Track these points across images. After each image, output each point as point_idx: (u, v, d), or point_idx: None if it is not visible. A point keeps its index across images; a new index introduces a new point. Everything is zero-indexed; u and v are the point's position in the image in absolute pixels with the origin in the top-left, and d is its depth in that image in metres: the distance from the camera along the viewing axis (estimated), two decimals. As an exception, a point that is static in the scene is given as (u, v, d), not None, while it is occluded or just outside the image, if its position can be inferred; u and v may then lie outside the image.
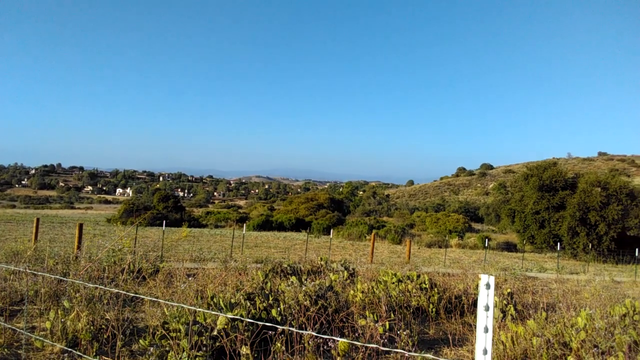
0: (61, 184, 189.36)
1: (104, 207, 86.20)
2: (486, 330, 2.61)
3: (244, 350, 4.64)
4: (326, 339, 4.85)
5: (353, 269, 10.82)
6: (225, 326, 4.77)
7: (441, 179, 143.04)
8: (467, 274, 10.35)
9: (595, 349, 5.19)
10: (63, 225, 26.77)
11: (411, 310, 7.44)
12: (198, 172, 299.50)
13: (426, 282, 8.45)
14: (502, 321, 6.75)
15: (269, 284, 6.75)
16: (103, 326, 5.62)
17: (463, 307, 7.84)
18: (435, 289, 8.29)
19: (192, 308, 3.84)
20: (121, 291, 4.96)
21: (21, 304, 6.90)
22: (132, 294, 5.61)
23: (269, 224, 40.40)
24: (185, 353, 4.47)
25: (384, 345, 4.96)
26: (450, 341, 5.91)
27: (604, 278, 15.04)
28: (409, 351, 4.87)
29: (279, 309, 5.80)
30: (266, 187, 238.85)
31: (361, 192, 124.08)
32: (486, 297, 2.66)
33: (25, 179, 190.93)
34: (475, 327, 2.87)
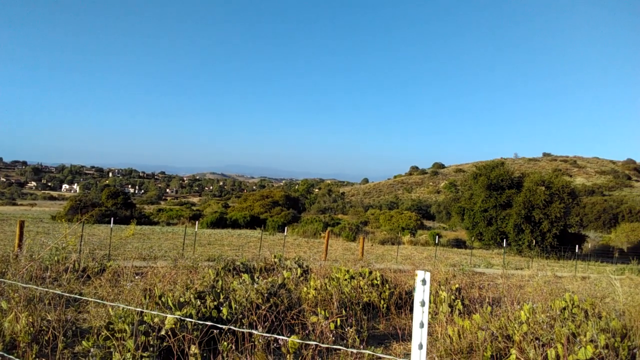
0: (2, 179, 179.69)
1: (48, 203, 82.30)
2: (422, 325, 2.66)
3: (193, 349, 4.56)
4: (277, 336, 4.84)
5: (307, 266, 10.84)
6: (174, 326, 4.67)
7: (395, 177, 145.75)
8: (417, 271, 10.58)
9: (536, 341, 5.43)
10: (4, 223, 25.41)
11: (362, 306, 7.53)
12: (150, 168, 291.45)
13: (378, 279, 8.58)
14: (450, 316, 6.94)
15: (220, 282, 6.65)
16: (44, 328, 5.37)
17: (413, 302, 8.01)
18: (387, 285, 8.43)
19: (134, 309, 3.73)
20: (59, 292, 4.75)
21: (-47, 306, 6.49)
22: (74, 296, 5.40)
23: (223, 222, 39.89)
24: (129, 354, 4.34)
25: (334, 342, 4.99)
26: (400, 336, 6.03)
27: (546, 273, 15.76)
28: (358, 347, 4.93)
29: (230, 307, 5.73)
30: (221, 184, 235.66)
31: (317, 190, 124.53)
32: (422, 293, 2.71)
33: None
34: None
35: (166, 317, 4.73)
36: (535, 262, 24.02)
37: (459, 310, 7.27)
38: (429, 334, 6.26)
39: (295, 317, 5.73)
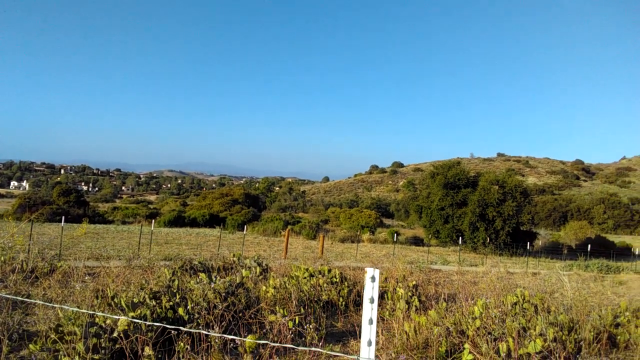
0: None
1: (-5, 201, 78.43)
2: (371, 322, 2.68)
3: (147, 351, 4.43)
4: (234, 335, 4.77)
5: (266, 265, 10.78)
6: (127, 327, 4.53)
7: (355, 176, 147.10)
8: (376, 268, 10.70)
9: (489, 335, 5.59)
10: (-56, 222, 24.02)
11: (322, 304, 7.55)
12: (104, 165, 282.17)
13: (337, 276, 8.63)
14: (407, 312, 7.05)
15: (176, 282, 6.52)
16: (-13, 331, 5.10)
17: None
18: (346, 283, 8.49)
19: (85, 311, 3.60)
20: (4, 294, 4.53)
21: None
22: (21, 298, 5.15)
23: (181, 220, 39.16)
24: (79, 357, 4.19)
25: (292, 340, 4.98)
26: (358, 333, 6.08)
27: (499, 270, 16.25)
28: (316, 345, 4.93)
29: (186, 307, 5.62)
30: (179, 181, 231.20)
31: (277, 188, 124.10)
32: (371, 290, 2.73)
33: None
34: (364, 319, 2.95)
35: (119, 318, 4.59)
36: (489, 259, 24.77)
37: (415, 306, 7.40)
38: (387, 330, 6.34)
39: (253, 316, 5.68)
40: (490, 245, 29.33)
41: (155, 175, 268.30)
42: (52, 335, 4.58)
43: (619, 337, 6.41)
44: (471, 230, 29.97)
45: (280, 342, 4.82)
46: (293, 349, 4.82)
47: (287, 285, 7.93)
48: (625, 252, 35.42)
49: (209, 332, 4.49)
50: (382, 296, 8.47)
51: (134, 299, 5.44)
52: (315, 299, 7.60)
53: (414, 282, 8.79)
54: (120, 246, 17.98)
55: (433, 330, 5.60)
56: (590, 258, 27.71)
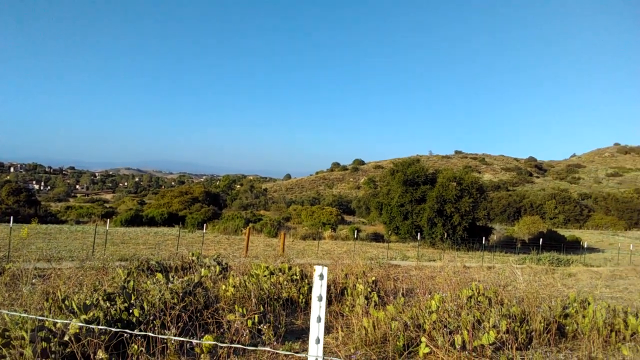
0: None
1: (-63, 201, 74.08)
2: (319, 319, 2.69)
3: (100, 354, 4.30)
4: (191, 336, 4.69)
5: (226, 264, 10.66)
6: (78, 330, 4.38)
7: (317, 173, 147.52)
8: (336, 265, 10.77)
9: (445, 328, 5.73)
10: None
11: (282, 302, 7.53)
12: (57, 163, 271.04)
13: (297, 274, 8.63)
14: (366, 308, 7.13)
15: (131, 283, 6.35)
16: None
17: (331, 296, 8.15)
18: (306, 280, 8.50)
19: (31, 316, 3.45)
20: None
21: None
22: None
23: (139, 219, 38.20)
24: (26, 363, 4.02)
25: (251, 339, 4.95)
26: (317, 330, 6.10)
27: (456, 264, 16.68)
28: (275, 343, 4.92)
29: (142, 308, 5.49)
30: (137, 179, 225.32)
31: (238, 186, 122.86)
32: (319, 288, 2.74)
33: None
34: (311, 317, 2.96)
35: (69, 322, 4.43)
36: (447, 254, 25.36)
37: (375, 302, 7.49)
38: (347, 326, 6.39)
39: (212, 315, 5.60)
40: (447, 241, 30.02)
41: (111, 173, 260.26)
42: (-2, 341, 4.38)
43: (567, 327, 6.68)
44: (430, 226, 30.57)
45: (238, 341, 4.77)
46: (252, 346, 4.78)
47: (247, 283, 7.87)
48: (574, 246, 37.00)
49: (164, 333, 4.39)
50: (342, 292, 8.53)
51: (87, 301, 5.26)
52: (276, 297, 7.58)
53: (373, 278, 8.90)
54: (74, 247, 17.37)
55: (391, 324, 5.69)
56: (542, 251, 28.83)
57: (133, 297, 5.73)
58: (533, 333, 6.15)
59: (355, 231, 31.45)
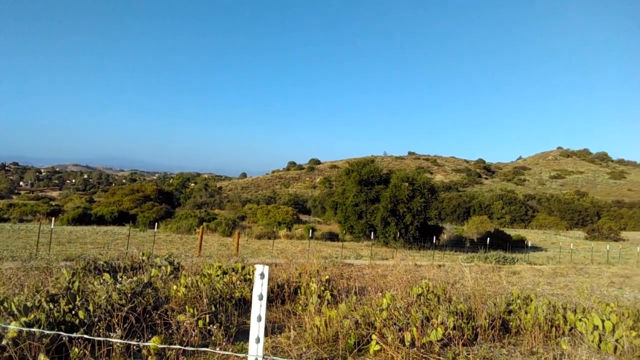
0: None
1: None
2: (259, 319, 2.70)
3: (41, 358, 4.13)
4: (138, 338, 4.58)
5: (178, 263, 10.45)
6: (16, 334, 4.19)
7: (273, 172, 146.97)
8: (290, 264, 10.78)
9: (395, 325, 5.85)
10: None
11: (234, 302, 7.47)
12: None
13: (250, 273, 8.57)
14: (319, 306, 7.18)
15: (76, 283, 6.12)
16: None
17: (284, 295, 8.15)
18: (259, 280, 8.46)
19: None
20: None
21: None
22: None
23: (87, 218, 36.83)
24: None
25: (201, 339, 4.88)
26: (269, 329, 6.09)
27: (407, 263, 17.06)
28: (225, 343, 4.88)
29: (87, 310, 5.31)
30: (85, 176, 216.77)
31: (193, 184, 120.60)
32: (260, 287, 2.75)
33: None
34: (252, 316, 2.96)
35: (8, 325, 4.23)
36: (399, 253, 25.87)
37: (327, 300, 7.55)
38: (299, 325, 6.41)
39: (161, 316, 5.49)
40: (400, 240, 30.62)
41: (58, 169, 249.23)
42: None
43: (511, 323, 6.96)
44: (383, 225, 31.07)
45: (187, 342, 4.70)
46: (202, 347, 4.73)
47: (199, 283, 7.74)
48: (520, 244, 38.62)
49: (109, 335, 4.27)
50: (295, 291, 8.55)
51: (27, 303, 5.04)
52: (228, 297, 7.50)
53: (327, 277, 8.97)
54: (16, 246, 16.56)
55: (343, 323, 5.76)
56: (490, 250, 29.92)
57: (78, 299, 5.54)
58: (479, 329, 6.38)
59: (311, 230, 31.55)
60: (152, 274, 7.47)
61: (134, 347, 4.35)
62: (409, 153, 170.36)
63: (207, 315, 5.41)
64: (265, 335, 5.85)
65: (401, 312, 6.29)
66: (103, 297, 5.65)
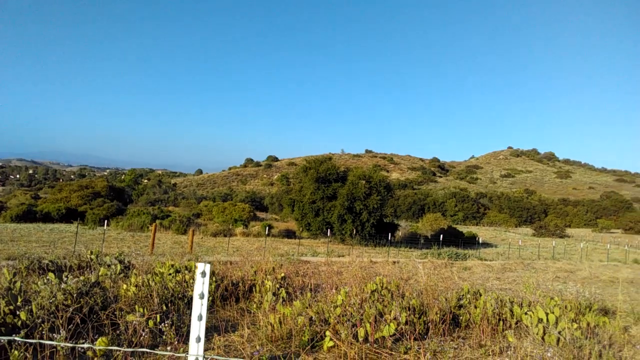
0: None
1: None
2: (200, 318, 2.66)
3: (-23, 363, 3.92)
4: (84, 339, 4.41)
5: (129, 262, 10.15)
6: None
7: (230, 169, 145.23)
8: (246, 262, 10.68)
9: (349, 322, 5.90)
10: None
11: (187, 301, 7.32)
12: None
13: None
14: (274, 304, 7.15)
15: (18, 284, 5.84)
16: None
17: (239, 293, 8.06)
18: (214, 278, 8.33)
19: None
20: None
21: None
22: None
23: (33, 215, 35.24)
24: None
25: (152, 339, 4.76)
26: (222, 328, 6.01)
27: (363, 259, 17.25)
28: (177, 343, 4.77)
29: (30, 311, 5.06)
30: (31, 172, 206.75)
31: (146, 181, 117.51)
32: (201, 285, 2.71)
33: None
34: (192, 315, 2.92)
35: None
36: (356, 249, 26.14)
37: (282, 298, 7.53)
38: (253, 323, 6.36)
39: (109, 316, 5.31)
40: (357, 237, 30.94)
41: (0, 164, 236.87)
42: None
43: (461, 317, 7.17)
44: (340, 223, 31.29)
45: (137, 343, 4.57)
46: (151, 348, 4.61)
47: (150, 282, 7.54)
48: (471, 241, 39.80)
49: (53, 337, 4.09)
50: (250, 289, 8.47)
51: (-37, 306, 4.76)
52: (181, 296, 7.35)
53: (282, 275, 8.94)
54: (-48, 245, 15.62)
55: (297, 320, 5.75)
56: (443, 247, 30.72)
57: (20, 299, 5.28)
58: (430, 324, 6.53)
59: (268, 228, 31.40)
60: (100, 273, 7.22)
61: (79, 349, 4.18)
62: (366, 151, 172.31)
63: (158, 315, 5.28)
64: (219, 333, 5.78)
65: (355, 308, 6.34)
66: (47, 298, 5.41)
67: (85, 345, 2.93)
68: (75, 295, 5.69)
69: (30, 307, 5.17)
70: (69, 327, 4.55)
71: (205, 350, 4.91)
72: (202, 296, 2.62)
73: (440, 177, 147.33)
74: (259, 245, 24.31)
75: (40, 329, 4.65)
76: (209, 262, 11.31)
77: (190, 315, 6.58)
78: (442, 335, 6.44)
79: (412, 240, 38.69)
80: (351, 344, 5.30)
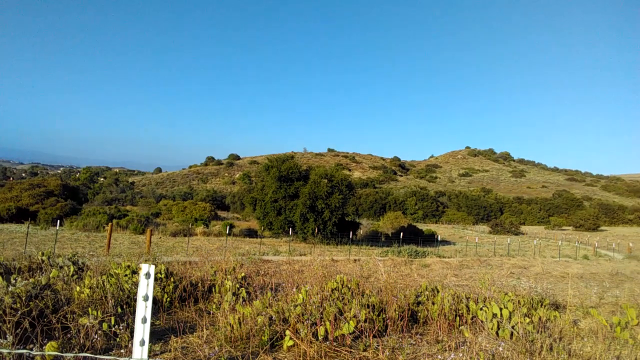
0: None
1: None
2: (144, 320, 2.59)
3: None
4: (33, 344, 4.24)
5: (83, 263, 9.81)
6: None
7: (190, 167, 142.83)
8: (205, 261, 10.53)
9: (309, 320, 5.91)
10: None
11: (144, 302, 7.15)
12: None
13: (162, 272, 8.26)
14: (233, 304, 7.07)
15: (-39, 288, 5.54)
16: None
17: (198, 294, 7.94)
18: (172, 278, 8.16)
19: None
20: None
21: None
22: None
23: (-21, 215, 33.56)
24: None
25: (106, 342, 4.62)
26: (180, 330, 5.91)
27: (324, 258, 17.33)
28: (131, 345, 4.65)
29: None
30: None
31: (102, 179, 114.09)
32: (145, 287, 2.65)
33: None
34: (137, 318, 2.86)
35: None
36: (318, 248, 26.22)
37: (243, 298, 7.46)
38: (212, 324, 6.28)
39: (60, 320, 5.12)
40: (319, 235, 31.03)
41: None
42: None
43: (419, 313, 7.30)
44: (302, 221, 31.31)
45: (89, 347, 4.42)
46: (106, 351, 4.48)
47: (105, 284, 7.32)
48: (431, 239, 40.60)
49: (-2, 343, 3.91)
50: (210, 290, 8.36)
51: None
52: (137, 298, 7.17)
53: (243, 274, 8.87)
54: None
55: (257, 320, 5.72)
56: (403, 244, 31.22)
57: (-37, 304, 5.02)
58: (389, 321, 6.62)
59: (229, 227, 31.07)
60: (52, 275, 6.95)
61: (27, 354, 4.01)
62: (329, 150, 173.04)
63: (113, 317, 5.13)
64: (176, 335, 5.67)
65: (315, 307, 6.36)
66: (-7, 302, 5.16)
67: (34, 352, 2.82)
68: (24, 298, 5.45)
69: (-26, 312, 4.92)
70: (17, 331, 4.37)
71: (162, 352, 4.81)
72: (146, 298, 2.55)
73: (401, 176, 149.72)
74: (219, 244, 24.02)
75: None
76: (167, 263, 11.09)
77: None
78: (400, 332, 6.54)
79: (374, 239, 39.13)
80: (311, 342, 5.30)
